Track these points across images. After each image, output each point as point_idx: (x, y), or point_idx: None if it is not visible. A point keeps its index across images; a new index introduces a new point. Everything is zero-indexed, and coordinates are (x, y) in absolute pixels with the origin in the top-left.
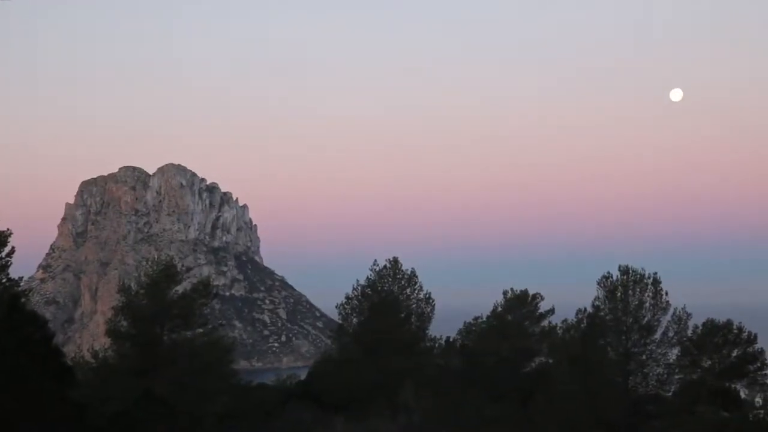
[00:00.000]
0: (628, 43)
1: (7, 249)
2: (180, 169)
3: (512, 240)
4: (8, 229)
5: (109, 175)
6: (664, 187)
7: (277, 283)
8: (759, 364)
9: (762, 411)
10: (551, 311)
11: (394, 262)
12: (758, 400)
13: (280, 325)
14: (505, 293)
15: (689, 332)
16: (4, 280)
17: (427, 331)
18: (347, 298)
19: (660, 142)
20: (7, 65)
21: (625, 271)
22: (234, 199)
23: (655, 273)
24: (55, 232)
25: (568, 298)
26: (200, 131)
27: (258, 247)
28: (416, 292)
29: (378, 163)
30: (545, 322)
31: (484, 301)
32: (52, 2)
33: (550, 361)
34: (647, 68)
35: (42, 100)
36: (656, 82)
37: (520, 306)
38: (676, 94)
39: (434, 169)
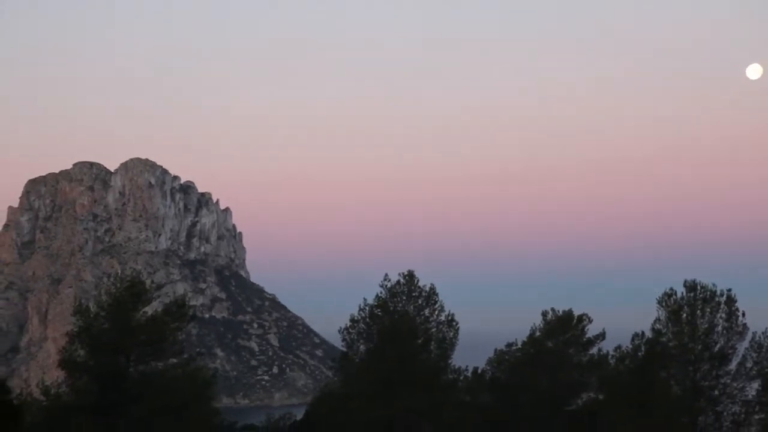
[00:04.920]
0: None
1: None
2: (148, 165)
3: (554, 251)
4: None
5: (62, 172)
6: (740, 186)
7: (267, 303)
8: None
9: None
10: (601, 336)
11: (410, 277)
12: None
13: (270, 353)
14: (544, 315)
15: None
16: None
17: (449, 361)
18: (353, 320)
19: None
20: None
21: (692, 287)
22: (214, 201)
23: (729, 290)
24: None
25: (621, 320)
26: (172, 121)
27: (244, 260)
28: (436, 313)
29: (392, 162)
30: (594, 350)
31: (520, 325)
32: None
33: (601, 397)
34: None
35: None
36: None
37: (563, 330)
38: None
39: (458, 169)
